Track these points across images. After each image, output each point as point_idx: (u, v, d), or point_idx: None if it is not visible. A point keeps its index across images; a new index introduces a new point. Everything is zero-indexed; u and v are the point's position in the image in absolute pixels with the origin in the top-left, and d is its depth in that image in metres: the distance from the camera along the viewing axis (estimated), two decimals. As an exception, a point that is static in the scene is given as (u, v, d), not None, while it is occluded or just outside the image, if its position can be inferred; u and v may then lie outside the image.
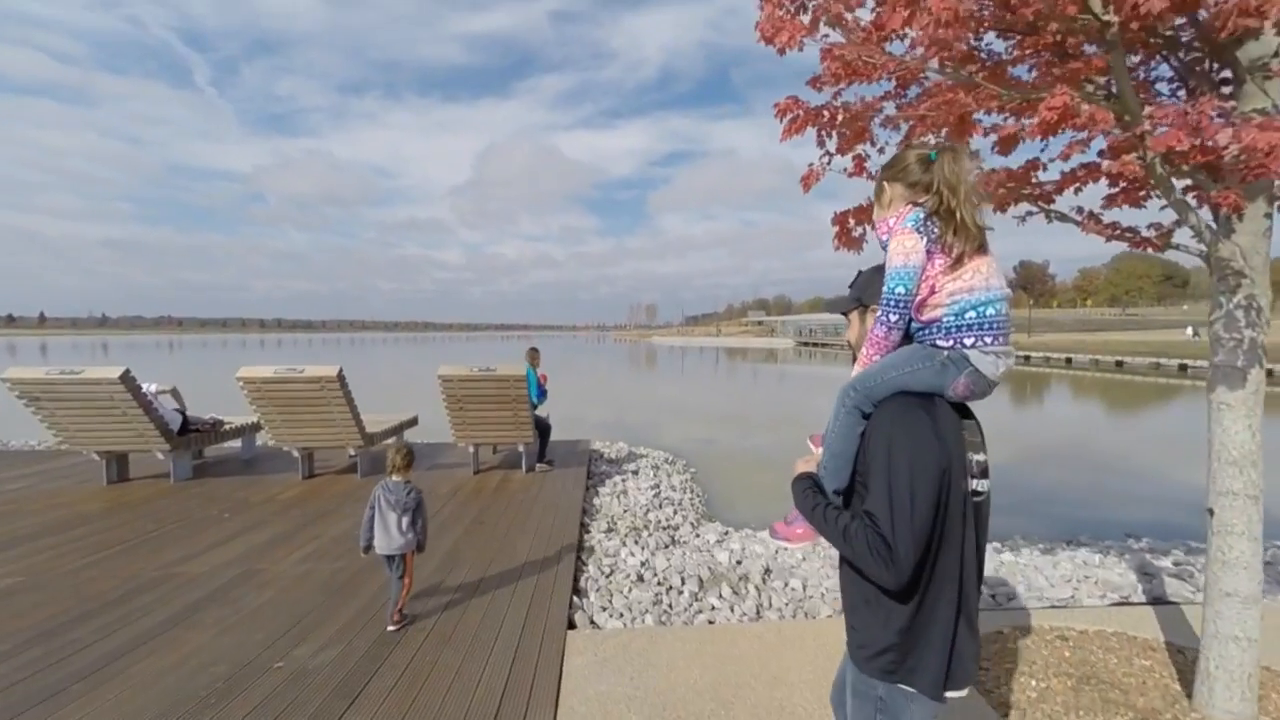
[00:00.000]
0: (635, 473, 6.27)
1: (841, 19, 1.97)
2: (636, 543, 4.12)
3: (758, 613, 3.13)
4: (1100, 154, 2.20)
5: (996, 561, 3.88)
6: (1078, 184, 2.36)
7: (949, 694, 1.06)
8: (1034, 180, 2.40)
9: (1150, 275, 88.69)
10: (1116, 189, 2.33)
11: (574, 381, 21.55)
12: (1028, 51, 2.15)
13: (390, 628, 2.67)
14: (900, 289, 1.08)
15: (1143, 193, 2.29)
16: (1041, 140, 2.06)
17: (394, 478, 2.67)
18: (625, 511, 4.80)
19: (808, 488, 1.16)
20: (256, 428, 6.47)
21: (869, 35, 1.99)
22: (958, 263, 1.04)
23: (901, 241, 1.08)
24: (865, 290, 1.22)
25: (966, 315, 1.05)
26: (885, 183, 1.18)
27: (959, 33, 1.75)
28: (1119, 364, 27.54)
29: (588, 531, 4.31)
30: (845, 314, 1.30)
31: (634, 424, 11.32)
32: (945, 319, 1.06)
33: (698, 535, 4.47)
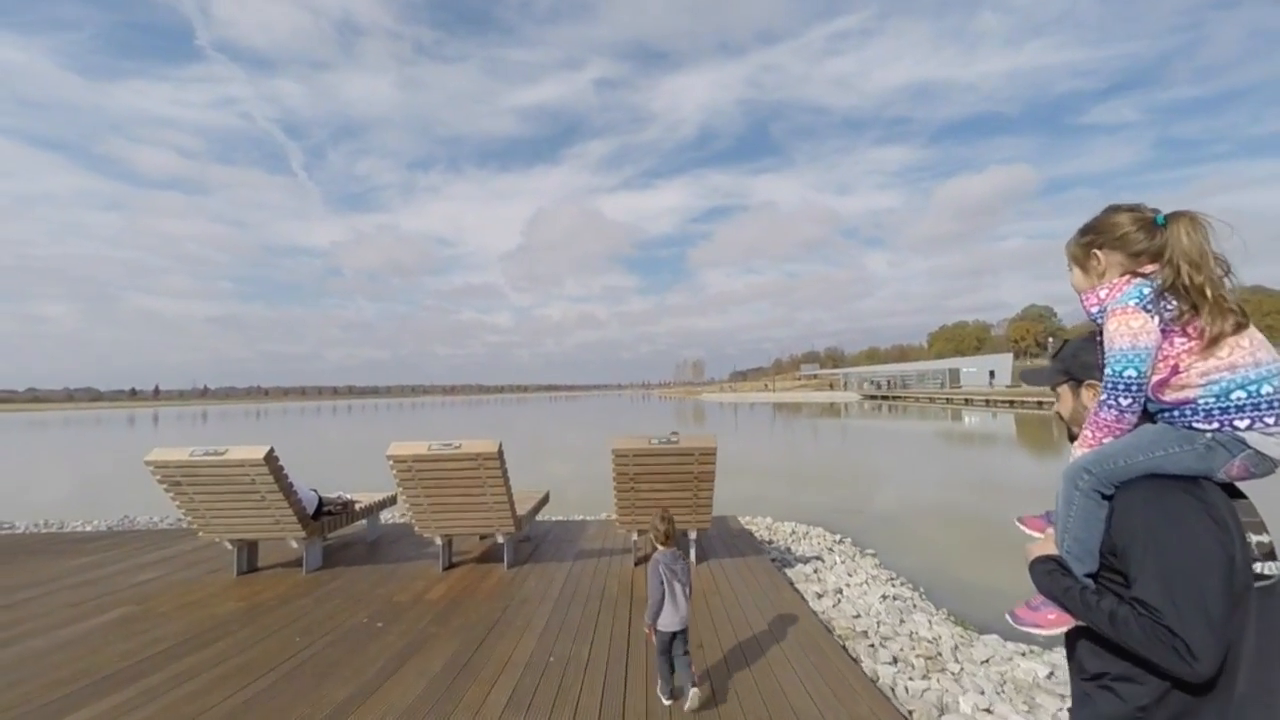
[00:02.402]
0: (815, 558, 5.11)
1: None
2: (953, 679, 2.90)
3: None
4: None
5: None
6: None
7: None
8: None
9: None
10: None
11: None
12: None
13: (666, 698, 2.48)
14: (1130, 372, 1.01)
15: None
16: None
17: (665, 548, 2.57)
18: (877, 625, 3.60)
19: (1053, 570, 1.10)
20: (382, 506, 5.91)
21: None
22: (1214, 342, 0.96)
23: (1126, 321, 1.01)
24: (1073, 363, 1.19)
25: (1233, 395, 0.96)
26: (1096, 250, 1.09)
27: None
28: None
29: (856, 659, 3.14)
30: (1053, 387, 1.25)
31: (745, 494, 10.10)
32: (1202, 400, 0.99)
33: (970, 649, 3.25)
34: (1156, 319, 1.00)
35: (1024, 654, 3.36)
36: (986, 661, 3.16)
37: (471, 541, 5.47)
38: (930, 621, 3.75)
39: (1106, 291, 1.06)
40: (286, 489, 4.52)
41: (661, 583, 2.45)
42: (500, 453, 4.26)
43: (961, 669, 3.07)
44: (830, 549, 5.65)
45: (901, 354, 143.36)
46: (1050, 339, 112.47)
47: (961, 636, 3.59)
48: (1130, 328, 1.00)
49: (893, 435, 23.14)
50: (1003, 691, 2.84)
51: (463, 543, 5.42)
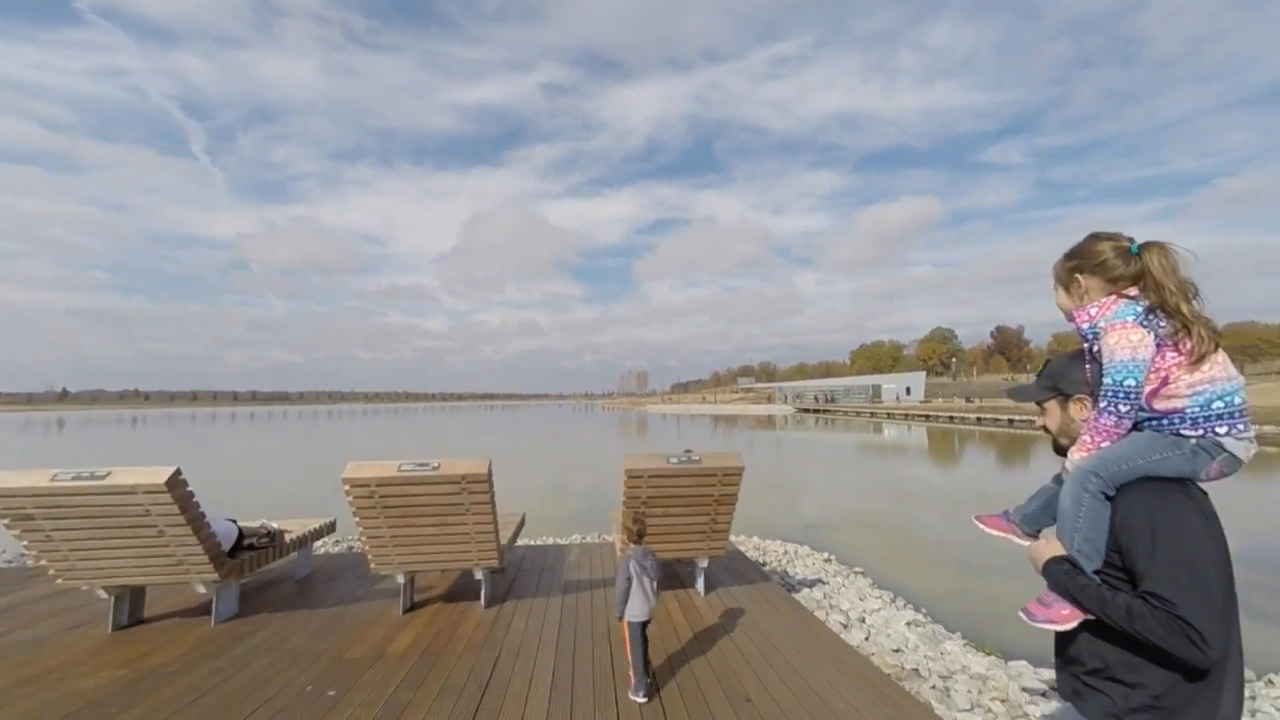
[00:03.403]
0: (818, 581, 4.83)
1: None
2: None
3: None
4: None
5: None
6: None
7: None
8: None
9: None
10: None
11: (591, 457, 19.90)
12: None
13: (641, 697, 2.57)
14: (1130, 381, 1.10)
15: None
16: None
17: (636, 546, 2.78)
18: (925, 661, 3.28)
19: (1068, 569, 1.16)
20: (317, 536, 4.90)
21: None
22: (1202, 359, 1.07)
23: (1126, 335, 1.10)
24: (1062, 379, 1.26)
25: (1214, 405, 1.09)
26: (1079, 275, 1.19)
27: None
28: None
29: (928, 705, 2.59)
30: (1039, 403, 1.31)
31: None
32: (1189, 410, 1.10)
33: (1022, 680, 3.05)
34: (1152, 334, 1.10)
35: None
36: (1045, 694, 2.95)
37: (434, 574, 4.63)
38: (964, 651, 3.54)
39: (1096, 310, 1.16)
40: (196, 520, 3.51)
41: (630, 577, 2.65)
42: (490, 474, 3.56)
43: (1041, 712, 2.83)
44: (824, 569, 5.41)
45: (827, 370, 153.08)
46: (954, 359, 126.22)
47: (998, 665, 3.40)
48: (1130, 341, 1.10)
49: (833, 447, 24.12)
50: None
51: (425, 576, 4.58)
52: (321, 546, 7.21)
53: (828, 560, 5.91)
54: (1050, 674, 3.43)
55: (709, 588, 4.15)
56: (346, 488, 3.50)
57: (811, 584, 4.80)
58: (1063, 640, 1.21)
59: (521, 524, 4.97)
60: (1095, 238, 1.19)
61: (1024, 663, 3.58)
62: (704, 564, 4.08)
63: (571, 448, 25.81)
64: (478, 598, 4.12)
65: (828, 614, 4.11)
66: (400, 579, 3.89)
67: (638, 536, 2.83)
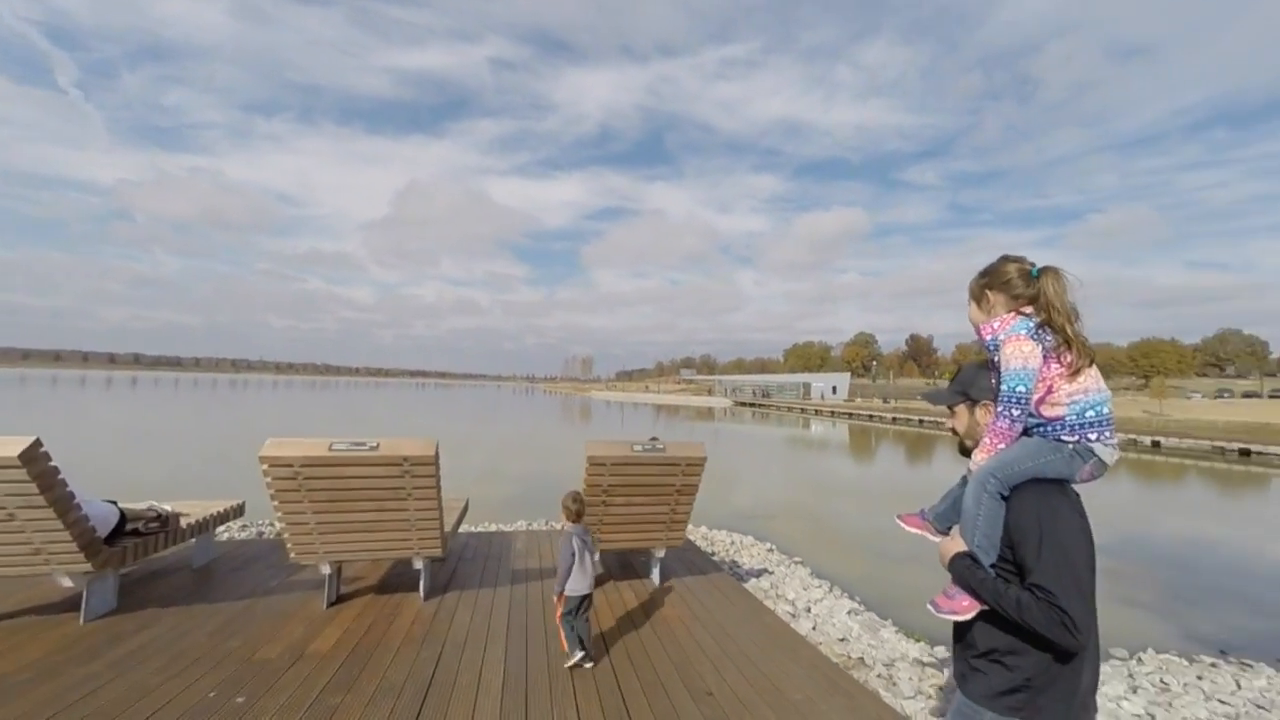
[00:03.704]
0: (765, 571, 4.94)
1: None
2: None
3: None
4: None
5: None
6: None
7: None
8: None
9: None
10: None
11: (540, 444, 19.44)
12: None
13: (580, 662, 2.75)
14: (1021, 388, 1.24)
15: None
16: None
17: (575, 524, 2.91)
18: (870, 649, 3.38)
19: (970, 564, 1.27)
20: (222, 519, 4.30)
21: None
22: (1076, 373, 1.22)
23: (1019, 347, 1.24)
24: (972, 386, 1.40)
25: (1087, 414, 1.22)
26: (988, 290, 1.33)
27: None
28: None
29: (876, 694, 2.68)
30: (950, 406, 1.44)
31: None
32: (1068, 417, 1.23)
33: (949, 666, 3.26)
34: (1040, 347, 1.23)
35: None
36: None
37: (363, 564, 4.22)
38: (898, 638, 3.74)
39: (999, 323, 1.29)
40: (61, 501, 2.91)
41: (573, 554, 2.79)
42: (437, 456, 3.24)
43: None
44: (768, 559, 5.57)
45: (762, 366, 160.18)
46: (874, 362, 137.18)
47: (927, 651, 3.62)
48: (1023, 352, 1.23)
49: (767, 440, 25.23)
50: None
51: (353, 566, 4.15)
52: (225, 532, 6.41)
53: (770, 550, 6.10)
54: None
55: (664, 578, 4.10)
56: (265, 467, 3.05)
57: (759, 574, 4.90)
58: (961, 628, 1.33)
59: (465, 510, 4.66)
60: (1004, 259, 1.33)
61: (943, 648, 3.86)
62: (660, 554, 4.01)
63: (513, 431, 25.06)
64: (415, 589, 3.80)
65: (776, 604, 4.21)
66: (325, 570, 3.48)
67: (577, 515, 2.95)
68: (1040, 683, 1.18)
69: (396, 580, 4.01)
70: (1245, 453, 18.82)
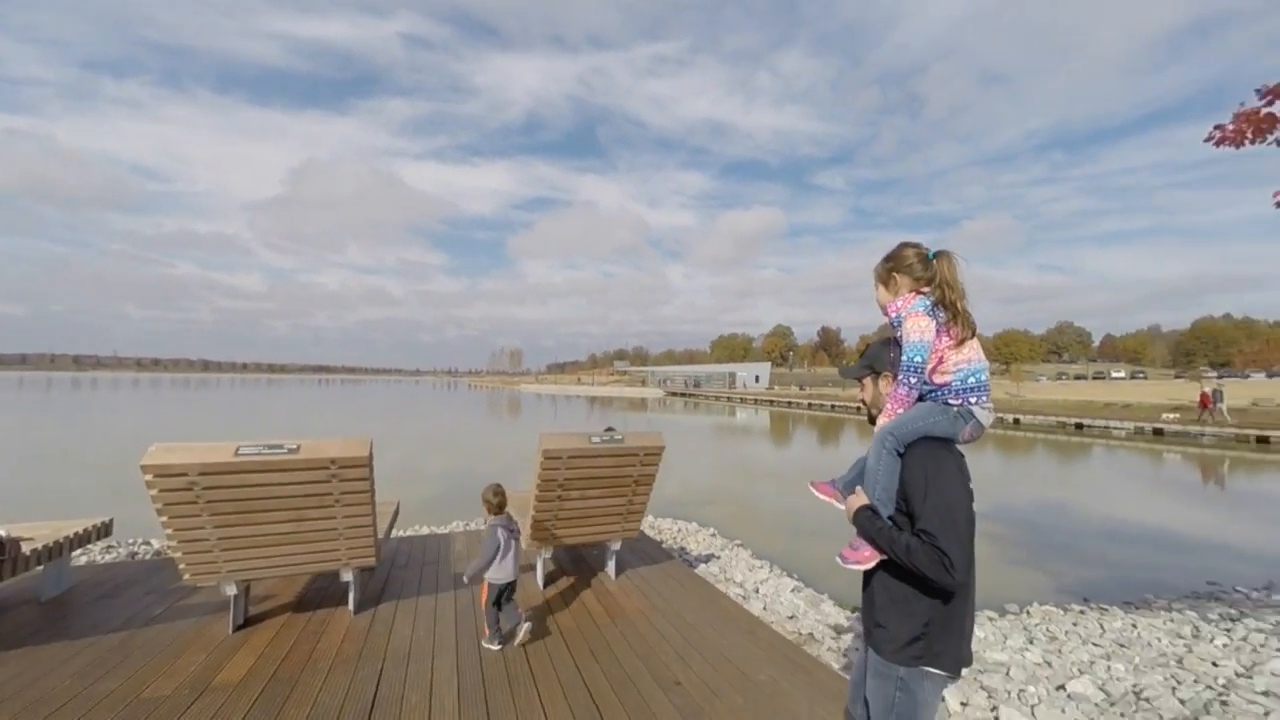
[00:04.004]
0: (712, 556, 5.04)
1: None
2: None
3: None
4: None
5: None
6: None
7: (964, 670, 1.40)
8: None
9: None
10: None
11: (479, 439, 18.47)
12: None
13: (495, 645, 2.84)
14: (918, 359, 1.39)
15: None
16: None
17: (497, 515, 2.95)
18: (816, 625, 3.51)
19: (871, 515, 1.41)
20: (81, 542, 3.57)
21: None
22: (961, 344, 1.39)
23: (917, 322, 1.40)
24: (876, 360, 1.54)
25: (969, 381, 1.39)
26: (895, 274, 1.47)
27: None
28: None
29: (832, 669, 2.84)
30: (859, 379, 1.58)
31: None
32: (953, 383, 1.40)
33: None
34: (934, 322, 1.40)
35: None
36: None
37: (275, 580, 3.71)
38: (837, 611, 3.97)
39: (901, 302, 1.45)
40: None
41: (498, 544, 2.83)
42: (370, 457, 2.89)
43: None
44: (712, 544, 5.70)
45: (691, 357, 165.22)
46: (790, 353, 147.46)
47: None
48: (920, 327, 1.40)
49: (698, 427, 26.01)
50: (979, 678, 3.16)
51: (263, 583, 3.63)
52: (83, 555, 5.37)
53: (713, 535, 6.25)
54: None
55: (619, 570, 4.02)
56: (149, 478, 2.54)
57: (706, 559, 4.99)
58: (866, 588, 1.49)
59: (397, 513, 4.26)
60: (904, 246, 1.49)
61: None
62: (616, 546, 3.93)
63: (437, 427, 23.61)
64: (343, 602, 3.41)
65: (727, 587, 4.30)
66: (230, 590, 3.00)
67: (499, 507, 2.96)
68: (935, 629, 1.34)
69: (319, 595, 3.57)
70: (1079, 426, 22.72)
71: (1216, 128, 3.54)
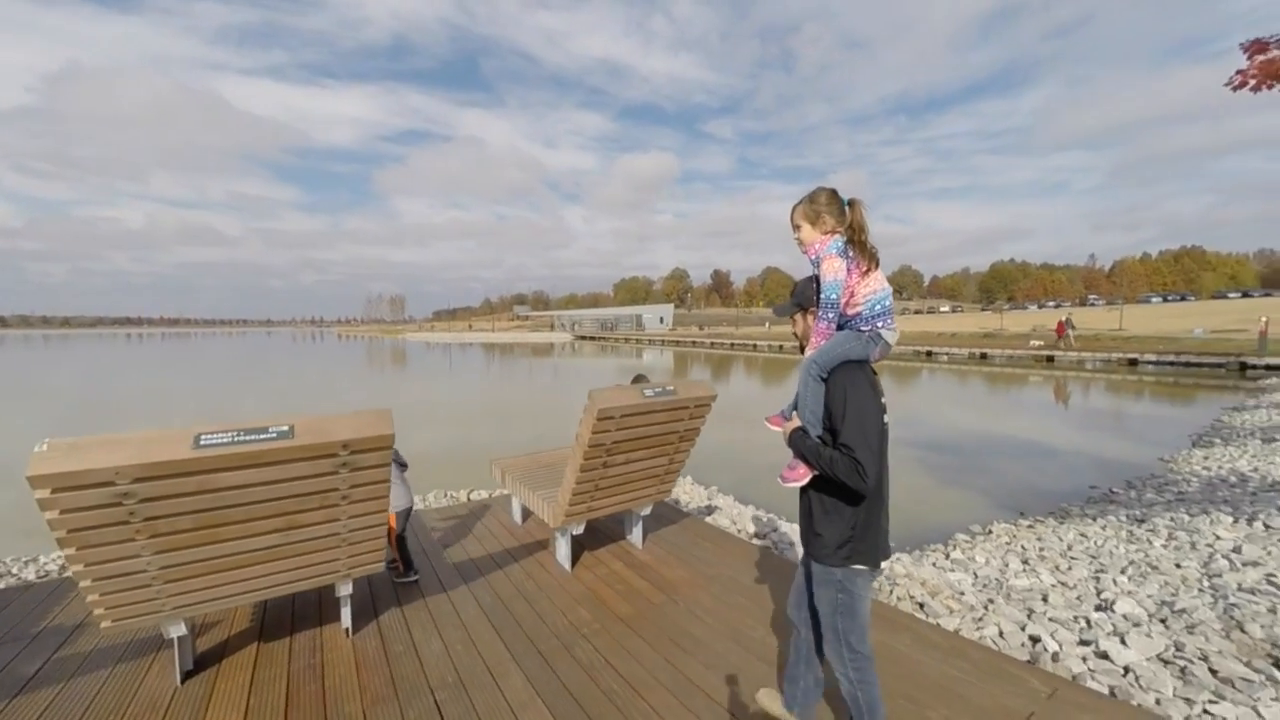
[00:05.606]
0: (716, 508, 4.97)
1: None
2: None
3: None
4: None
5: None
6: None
7: (884, 565, 1.60)
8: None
9: (786, 285, 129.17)
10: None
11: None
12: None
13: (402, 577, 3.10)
14: (834, 295, 1.59)
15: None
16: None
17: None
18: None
19: (802, 435, 1.60)
20: None
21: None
22: (866, 275, 1.57)
23: (832, 263, 1.58)
24: (803, 297, 1.72)
25: (876, 308, 1.58)
26: (823, 214, 1.60)
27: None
28: (780, 347, 36.13)
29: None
30: (790, 316, 1.77)
31: (542, 434, 9.22)
32: (864, 312, 1.58)
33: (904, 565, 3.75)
34: (844, 262, 1.57)
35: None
36: (923, 581, 3.64)
37: (235, 616, 2.78)
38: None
39: (819, 244, 1.60)
40: None
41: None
42: (391, 436, 2.12)
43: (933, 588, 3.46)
44: (700, 494, 5.65)
45: (594, 300, 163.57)
46: (688, 294, 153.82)
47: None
48: (834, 267, 1.57)
49: (608, 370, 26.01)
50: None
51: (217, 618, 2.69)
52: None
53: (694, 484, 6.20)
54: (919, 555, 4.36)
55: (646, 534, 3.71)
56: (44, 494, 1.58)
57: (709, 511, 4.90)
58: (801, 497, 1.68)
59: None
60: (822, 190, 1.62)
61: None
62: (645, 511, 3.58)
63: (303, 386, 20.59)
64: (330, 620, 2.68)
65: (743, 536, 4.25)
66: (175, 631, 2.14)
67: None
68: (860, 530, 1.56)
69: (284, 610, 2.77)
70: (983, 356, 25.85)
71: (1239, 73, 3.60)
